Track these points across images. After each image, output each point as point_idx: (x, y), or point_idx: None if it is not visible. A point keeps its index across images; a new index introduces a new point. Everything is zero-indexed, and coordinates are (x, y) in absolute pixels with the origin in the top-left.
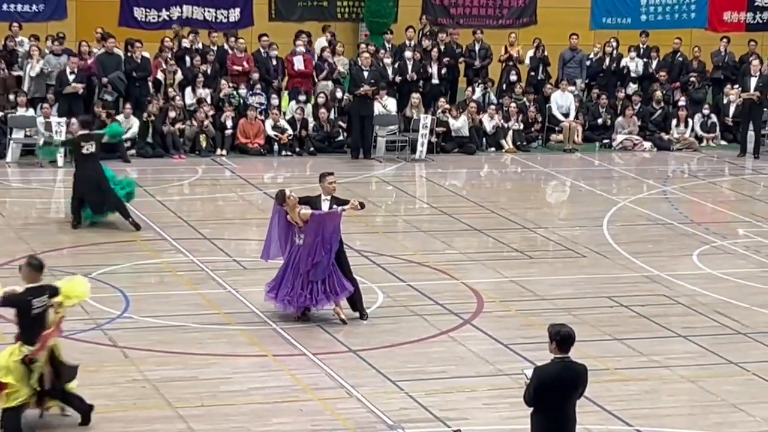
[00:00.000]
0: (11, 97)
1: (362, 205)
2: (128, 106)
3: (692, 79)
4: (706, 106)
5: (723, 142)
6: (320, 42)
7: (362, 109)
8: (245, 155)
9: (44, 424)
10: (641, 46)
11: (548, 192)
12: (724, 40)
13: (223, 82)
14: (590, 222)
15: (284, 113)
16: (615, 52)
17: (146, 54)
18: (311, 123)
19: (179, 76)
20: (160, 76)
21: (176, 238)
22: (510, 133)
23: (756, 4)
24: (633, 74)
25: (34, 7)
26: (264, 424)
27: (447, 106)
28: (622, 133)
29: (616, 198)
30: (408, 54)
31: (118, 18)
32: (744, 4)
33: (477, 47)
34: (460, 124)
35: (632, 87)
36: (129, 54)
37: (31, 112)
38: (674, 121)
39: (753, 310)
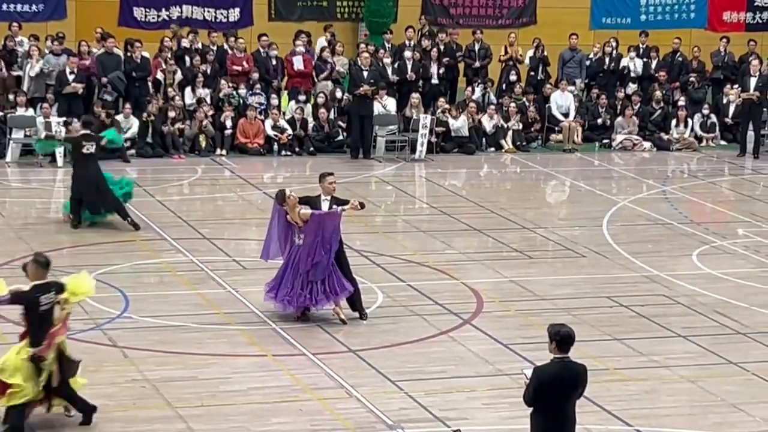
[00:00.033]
0: (11, 97)
1: (362, 205)
2: (128, 106)
3: (692, 79)
4: (706, 106)
5: (722, 142)
6: (320, 42)
7: (362, 109)
8: (245, 155)
9: (44, 424)
10: (641, 46)
11: (548, 192)
12: (724, 40)
13: (222, 82)
14: (590, 222)
15: (284, 113)
16: (615, 52)
17: (146, 54)
18: (311, 123)
19: (179, 76)
20: (159, 76)
21: (176, 238)
22: (510, 133)
23: (756, 4)
24: (633, 74)
25: (33, 7)
26: (263, 424)
27: (447, 106)
28: (621, 133)
29: (615, 198)
30: (407, 54)
31: (118, 18)
32: (744, 4)
33: (477, 47)
34: (459, 124)
35: (632, 87)
36: (129, 54)
37: (30, 111)
38: (674, 121)
39: (752, 310)
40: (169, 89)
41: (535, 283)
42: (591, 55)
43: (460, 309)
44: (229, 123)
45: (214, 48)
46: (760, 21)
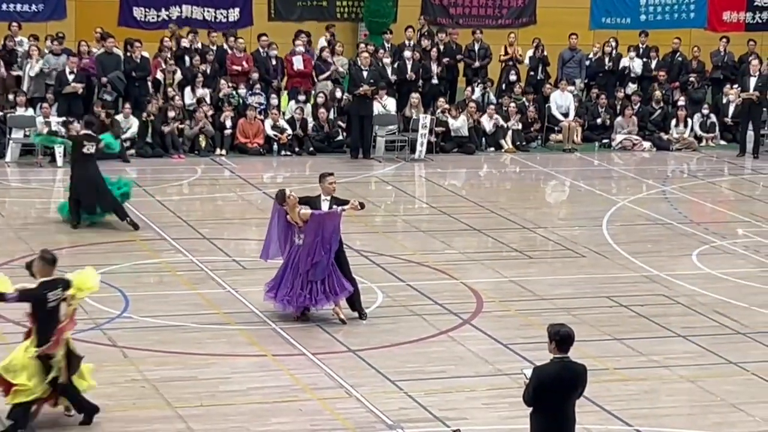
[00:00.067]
0: (10, 96)
1: (362, 206)
2: (127, 105)
3: (691, 78)
4: (706, 106)
5: (722, 142)
6: (321, 42)
7: (362, 109)
8: (244, 155)
9: (44, 424)
10: (641, 46)
11: (547, 192)
12: (724, 39)
13: (222, 81)
14: (589, 222)
15: (283, 113)
16: (614, 52)
17: (145, 54)
18: (311, 123)
19: (178, 75)
20: (159, 75)
21: (175, 237)
22: (509, 132)
23: (755, 4)
24: (632, 74)
25: (33, 6)
26: (263, 424)
27: (446, 105)
28: (621, 133)
29: (615, 198)
30: (407, 54)
31: (118, 18)
32: (743, 4)
33: (476, 47)
34: (459, 124)
35: (631, 87)
36: (128, 54)
37: (30, 111)
38: (673, 121)
39: (752, 310)
40: (169, 89)
41: (534, 283)
42: (591, 55)
43: (459, 309)
44: (228, 123)
45: (214, 48)
46: (760, 21)
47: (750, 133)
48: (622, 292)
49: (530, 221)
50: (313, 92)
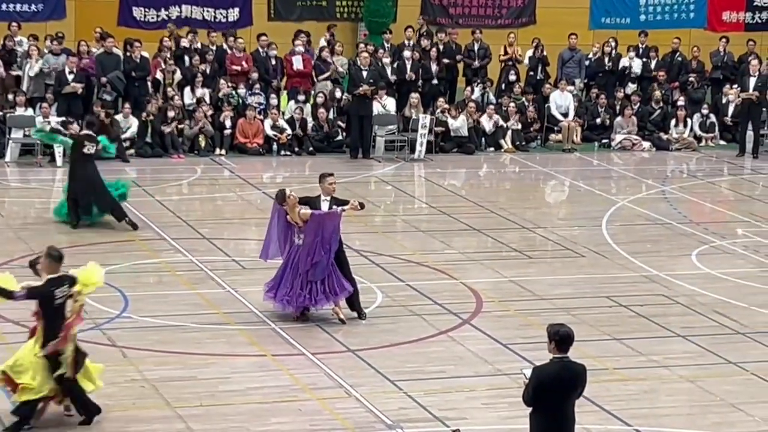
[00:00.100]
0: (10, 96)
1: (362, 206)
2: (127, 105)
3: (691, 78)
4: (705, 106)
5: (722, 142)
6: (320, 42)
7: (361, 109)
8: (244, 155)
9: (44, 424)
10: (640, 45)
11: (547, 192)
12: (723, 39)
13: (222, 81)
14: (589, 222)
15: (283, 113)
16: (614, 52)
17: (145, 54)
18: (310, 123)
19: (178, 75)
20: (159, 75)
21: (175, 237)
22: (509, 132)
23: (755, 4)
24: (632, 74)
25: (33, 6)
26: (263, 424)
27: (446, 105)
28: (621, 133)
29: (614, 198)
30: (407, 54)
31: (117, 18)
32: (743, 4)
33: (476, 47)
34: (459, 123)
35: (631, 87)
36: (128, 54)
37: (30, 111)
38: (673, 121)
39: (752, 310)
40: (169, 89)
41: (534, 282)
42: (590, 55)
43: (459, 309)
44: (228, 123)
45: (214, 48)
46: (760, 21)
47: (749, 133)
48: (621, 292)
49: (530, 221)
50: (312, 92)
